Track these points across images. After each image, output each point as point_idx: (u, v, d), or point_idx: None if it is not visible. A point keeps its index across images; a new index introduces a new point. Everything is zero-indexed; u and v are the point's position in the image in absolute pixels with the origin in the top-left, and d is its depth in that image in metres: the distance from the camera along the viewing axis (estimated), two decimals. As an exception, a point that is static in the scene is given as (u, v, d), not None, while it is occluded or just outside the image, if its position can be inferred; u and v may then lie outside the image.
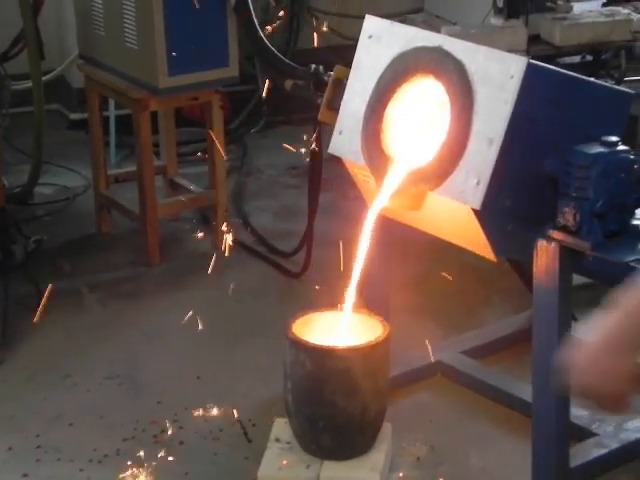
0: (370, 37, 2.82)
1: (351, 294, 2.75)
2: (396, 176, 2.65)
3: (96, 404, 3.12)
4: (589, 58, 4.53)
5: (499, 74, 2.50)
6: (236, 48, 3.93)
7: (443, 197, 2.58)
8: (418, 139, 2.68)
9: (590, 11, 4.50)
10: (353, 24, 2.94)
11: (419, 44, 2.68)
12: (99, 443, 2.92)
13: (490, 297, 3.57)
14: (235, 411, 3.02)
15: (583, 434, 2.83)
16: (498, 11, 4.22)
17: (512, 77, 2.47)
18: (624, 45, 4.43)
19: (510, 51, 3.92)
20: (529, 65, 2.47)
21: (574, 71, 2.76)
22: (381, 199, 2.67)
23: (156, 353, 3.40)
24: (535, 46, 4.30)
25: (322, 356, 2.65)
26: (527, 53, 4.26)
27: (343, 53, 3.12)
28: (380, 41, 2.78)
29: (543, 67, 2.56)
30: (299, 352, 2.67)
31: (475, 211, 2.51)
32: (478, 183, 2.49)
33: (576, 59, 4.52)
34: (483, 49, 2.59)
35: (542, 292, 2.60)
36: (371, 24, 2.84)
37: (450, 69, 2.57)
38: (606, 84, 2.74)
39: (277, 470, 2.70)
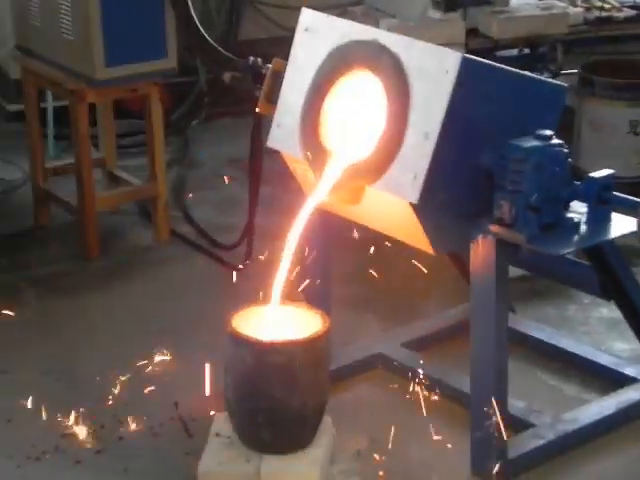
0: (306, 30, 2.82)
1: (280, 285, 2.74)
2: (334, 170, 2.65)
3: (34, 400, 3.06)
4: (526, 51, 4.57)
5: (434, 69, 2.50)
6: (174, 39, 3.90)
7: (381, 191, 2.58)
8: (356, 133, 2.68)
9: (527, 4, 4.55)
10: (294, 15, 2.92)
11: (355, 38, 2.68)
12: (37, 440, 2.88)
13: (431, 289, 3.58)
14: (175, 406, 2.99)
15: (521, 425, 2.85)
16: (436, 5, 4.24)
17: (447, 72, 2.47)
18: (560, 38, 4.48)
19: (448, 44, 3.94)
20: (464, 60, 2.48)
21: (511, 64, 2.78)
22: (319, 193, 2.67)
23: (94, 348, 3.36)
24: (473, 39, 4.33)
25: (261, 350, 2.64)
26: (465, 46, 4.29)
27: (284, 44, 3.10)
28: (316, 34, 2.78)
29: (478, 61, 2.57)
30: (238, 346, 2.65)
31: (412, 205, 2.53)
32: (415, 177, 2.50)
33: (513, 52, 4.55)
34: (418, 43, 2.60)
35: (479, 284, 2.63)
36: (307, 17, 2.84)
37: (386, 63, 2.58)
38: (541, 78, 2.77)
39: (217, 464, 2.68)
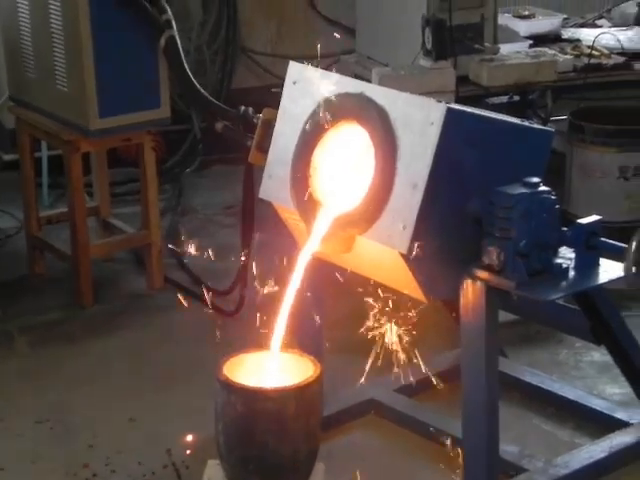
0: (294, 83, 2.87)
1: (280, 334, 2.76)
2: (325, 221, 2.69)
3: (27, 449, 3.08)
4: (516, 98, 4.63)
5: (420, 120, 2.55)
6: (167, 89, 3.96)
7: (371, 241, 2.62)
8: (345, 184, 2.73)
9: (517, 52, 4.62)
10: (287, 64, 2.98)
11: (342, 90, 2.73)
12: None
13: (425, 334, 3.59)
14: (168, 454, 3.00)
15: (514, 470, 2.86)
16: (427, 53, 4.30)
17: (432, 124, 2.51)
18: (550, 85, 4.55)
19: (439, 92, 4.03)
20: (448, 111, 2.52)
21: (502, 111, 2.83)
22: (311, 244, 2.71)
23: (88, 396, 3.37)
24: (464, 87, 4.38)
25: (252, 398, 2.66)
26: (456, 94, 4.35)
27: (277, 93, 3.15)
28: (304, 87, 2.83)
29: (463, 112, 2.61)
30: (230, 394, 2.67)
31: (402, 255, 2.55)
32: (404, 227, 2.54)
33: (504, 99, 4.61)
34: (404, 95, 2.64)
35: (469, 330, 2.65)
36: (295, 70, 2.89)
37: (373, 115, 2.62)
38: (527, 124, 2.78)
39: (210, 512, 2.70)
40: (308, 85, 2.82)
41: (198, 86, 3.74)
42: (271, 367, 2.80)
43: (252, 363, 2.83)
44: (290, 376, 2.78)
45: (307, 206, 2.74)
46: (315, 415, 2.72)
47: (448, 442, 2.94)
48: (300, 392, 2.67)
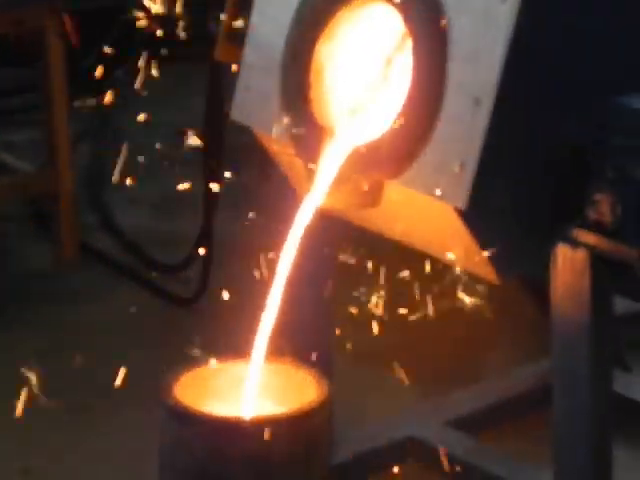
0: None
1: (267, 335, 2.80)
2: (335, 158, 2.72)
3: None
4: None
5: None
6: None
7: (409, 189, 2.65)
8: (366, 99, 2.76)
9: None
10: None
11: None
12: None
13: (490, 338, 3.67)
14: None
15: None
16: None
17: (504, 1, 2.52)
18: None
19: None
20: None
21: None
22: (315, 196, 2.74)
23: None
24: None
25: (221, 433, 2.71)
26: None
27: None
28: None
29: None
30: (184, 428, 2.72)
31: (459, 212, 2.58)
32: (462, 168, 2.56)
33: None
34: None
35: (565, 325, 2.69)
36: None
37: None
38: None
39: None
40: None
41: None
42: (250, 385, 2.84)
43: (220, 380, 2.88)
44: (280, 400, 2.83)
45: (308, 135, 2.78)
46: (318, 461, 2.77)
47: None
48: (295, 425, 2.72)
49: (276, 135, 2.86)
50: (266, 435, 2.68)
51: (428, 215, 2.67)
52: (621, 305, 2.89)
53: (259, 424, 2.71)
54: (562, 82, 2.61)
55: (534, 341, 3.50)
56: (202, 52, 3.40)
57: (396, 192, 2.70)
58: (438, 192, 2.60)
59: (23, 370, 3.43)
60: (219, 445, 2.71)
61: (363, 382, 3.41)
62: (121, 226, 4.40)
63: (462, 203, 2.56)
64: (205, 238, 3.91)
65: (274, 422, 2.72)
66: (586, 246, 2.63)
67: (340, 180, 2.73)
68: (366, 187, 2.72)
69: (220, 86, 3.51)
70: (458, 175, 2.56)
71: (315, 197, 2.75)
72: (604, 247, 2.62)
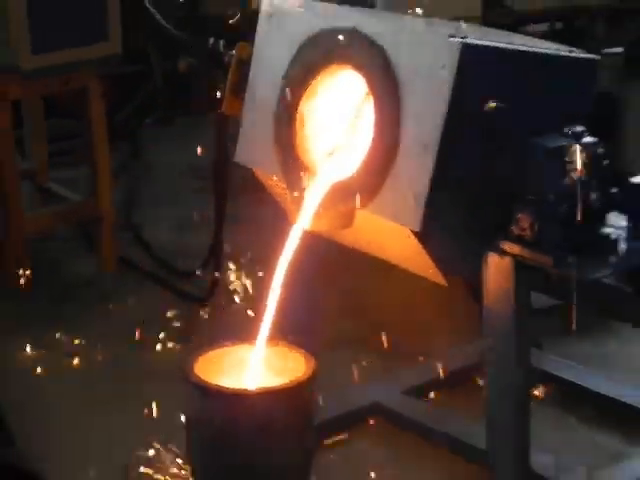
0: (271, 16, 2.88)
1: (267, 324, 2.83)
2: (317, 191, 2.72)
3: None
4: (559, 26, 4.66)
5: (429, 63, 2.53)
6: (117, 18, 3.95)
7: (375, 216, 2.65)
8: (341, 143, 2.76)
9: (560, -32, 4.64)
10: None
11: (330, 25, 2.71)
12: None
13: (441, 324, 3.68)
14: (125, 470, 3.09)
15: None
16: (446, -30, 4.33)
17: (444, 67, 2.50)
18: (602, 9, 4.55)
19: (463, 18, 4.07)
20: (464, 49, 2.49)
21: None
22: (302, 221, 2.74)
23: (24, 415, 3.39)
24: (492, 12, 4.39)
25: (233, 402, 2.73)
26: (482, 21, 4.37)
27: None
28: (283, 22, 2.84)
29: (482, 47, 2.57)
30: (204, 398, 2.74)
31: (414, 232, 2.58)
32: (415, 199, 2.55)
33: (543, 27, 4.64)
34: (407, 30, 2.61)
35: (495, 317, 2.72)
36: (270, 0, 2.90)
37: (369, 58, 2.60)
38: (563, 52, 2.76)
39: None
40: (287, 19, 2.83)
41: (156, 13, 3.75)
42: (253, 364, 2.86)
43: (229, 360, 2.90)
44: (277, 374, 2.85)
45: (295, 173, 2.77)
46: (309, 422, 2.80)
47: (466, 453, 3.04)
48: (290, 394, 2.74)
49: (270, 173, 2.88)
50: (268, 403, 2.72)
51: (391, 234, 2.67)
52: (537, 299, 2.91)
53: (263, 394, 2.75)
54: (491, 130, 2.60)
55: (471, 327, 3.51)
56: (210, 106, 3.39)
57: (365, 217, 2.70)
58: (398, 218, 2.60)
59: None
60: (232, 412, 2.73)
61: (340, 361, 3.41)
62: (149, 241, 4.41)
63: (416, 226, 2.57)
64: (215, 249, 3.90)
65: (274, 393, 2.75)
66: (510, 255, 2.66)
67: (321, 208, 2.74)
68: (341, 213, 2.73)
69: (225, 132, 3.49)
70: (413, 205, 2.56)
71: (302, 221, 2.76)
72: (524, 255, 2.64)
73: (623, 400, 3.33)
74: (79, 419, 3.36)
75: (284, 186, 2.83)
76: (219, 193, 3.76)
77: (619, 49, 4.64)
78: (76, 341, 3.76)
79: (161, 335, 3.75)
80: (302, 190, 2.75)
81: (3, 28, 3.80)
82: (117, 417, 3.32)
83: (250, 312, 3.00)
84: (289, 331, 2.95)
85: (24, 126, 4.46)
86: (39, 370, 3.59)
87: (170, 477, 3.02)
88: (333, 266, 3.29)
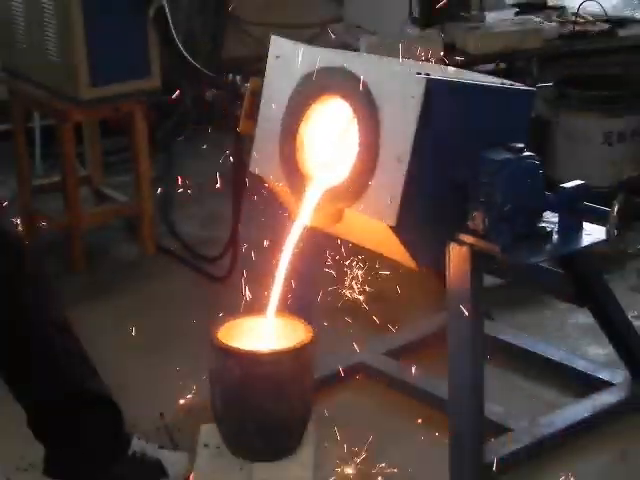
0: (277, 57, 2.88)
1: (274, 302, 2.81)
2: (313, 195, 2.73)
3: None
4: (503, 66, 4.65)
5: (400, 93, 2.55)
6: (157, 58, 3.97)
7: (360, 214, 2.65)
8: (332, 157, 2.75)
9: (503, 20, 4.63)
10: (278, 34, 2.99)
11: (323, 64, 2.74)
12: (25, 452, 2.91)
13: (414, 298, 3.63)
14: (161, 417, 3.04)
15: (499, 430, 2.91)
16: (414, 21, 4.31)
17: (413, 97, 2.52)
18: (536, 53, 4.57)
19: (427, 60, 4.03)
20: (428, 83, 2.52)
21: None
22: (302, 218, 2.75)
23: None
24: (451, 54, 4.39)
25: (249, 361, 2.70)
26: (444, 62, 4.36)
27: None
28: (287, 61, 2.84)
29: (443, 81, 2.61)
30: (225, 358, 2.71)
31: (391, 227, 2.58)
32: (391, 201, 2.55)
33: (490, 67, 4.63)
34: (384, 68, 2.66)
35: (455, 293, 2.69)
36: (277, 44, 2.91)
37: (354, 90, 2.62)
38: (508, 85, 2.77)
39: (211, 473, 2.74)
40: (290, 60, 2.83)
41: (186, 54, 3.75)
42: (264, 331, 2.84)
43: (244, 328, 2.87)
44: (284, 340, 2.82)
45: (296, 180, 2.77)
46: (309, 377, 2.77)
47: (434, 403, 3.00)
48: (296, 354, 2.71)
49: (277, 181, 2.87)
50: (278, 362, 2.70)
51: (373, 228, 2.66)
52: (488, 280, 2.87)
53: (274, 354, 2.73)
54: (452, 145, 2.60)
55: (437, 302, 3.48)
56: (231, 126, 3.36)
57: (352, 215, 2.70)
58: (378, 215, 2.60)
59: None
60: (248, 369, 2.70)
61: (332, 328, 3.35)
62: (181, 233, 4.35)
63: (392, 222, 2.57)
64: (233, 239, 3.87)
65: (283, 353, 2.73)
66: (467, 244, 2.64)
67: (317, 208, 2.74)
68: (333, 212, 2.74)
69: (242, 148, 3.47)
70: (389, 205, 2.56)
71: (302, 219, 2.76)
72: (478, 245, 2.63)
73: (557, 360, 3.30)
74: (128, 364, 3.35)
75: (288, 191, 2.83)
76: (237, 195, 3.75)
77: (550, 84, 4.64)
78: (120, 307, 3.75)
79: (188, 308, 3.70)
80: (302, 194, 2.75)
81: (70, 68, 3.83)
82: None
83: (258, 289, 2.93)
84: (292, 305, 2.93)
85: (84, 142, 4.45)
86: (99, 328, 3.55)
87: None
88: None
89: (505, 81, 2.81)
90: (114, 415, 2.75)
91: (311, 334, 2.77)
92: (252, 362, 2.69)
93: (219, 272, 3.92)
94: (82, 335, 3.52)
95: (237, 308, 2.95)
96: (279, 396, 2.69)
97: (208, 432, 2.84)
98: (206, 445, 2.81)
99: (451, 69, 3.22)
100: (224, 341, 2.74)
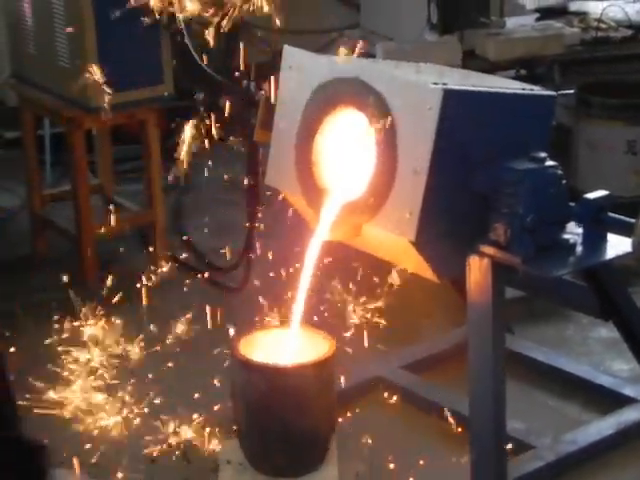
0: (290, 68, 2.87)
1: (298, 315, 2.80)
2: (331, 209, 2.71)
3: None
4: (524, 72, 4.63)
5: (417, 105, 2.53)
6: (170, 65, 3.97)
7: (379, 229, 2.64)
8: (350, 170, 2.74)
9: (523, 26, 4.62)
10: (294, 40, 2.98)
11: (337, 75, 2.72)
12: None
13: (433, 312, 3.62)
14: (175, 434, 3.03)
15: (521, 447, 2.90)
16: (432, 27, 4.30)
17: (430, 109, 2.50)
18: (557, 59, 4.55)
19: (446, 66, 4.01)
20: (445, 94, 2.50)
21: (510, 86, 2.78)
22: (320, 232, 2.74)
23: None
24: (470, 61, 4.38)
25: (274, 375, 2.70)
26: (462, 68, 4.34)
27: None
28: (300, 72, 2.83)
29: (460, 91, 2.58)
30: (250, 372, 2.71)
31: (411, 242, 2.57)
32: (410, 214, 2.54)
33: (511, 73, 4.62)
34: (400, 79, 2.63)
35: (475, 307, 2.68)
36: (289, 54, 2.89)
37: (370, 101, 2.61)
38: (527, 90, 2.75)
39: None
40: (304, 70, 2.81)
41: (199, 61, 3.75)
42: (285, 344, 2.84)
43: (264, 340, 2.88)
44: (306, 351, 2.81)
45: (313, 194, 2.76)
46: (332, 390, 2.78)
47: (454, 419, 2.98)
48: (320, 368, 2.72)
49: (294, 193, 2.86)
50: (301, 375, 2.71)
51: (392, 242, 2.65)
52: (509, 292, 2.86)
53: (297, 368, 2.73)
54: (471, 155, 2.59)
55: (457, 315, 3.46)
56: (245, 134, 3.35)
57: (372, 229, 2.69)
58: (397, 230, 2.59)
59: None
60: (272, 383, 2.71)
61: (351, 341, 3.34)
62: (193, 243, 4.34)
63: (412, 237, 2.56)
64: (247, 250, 3.85)
65: (306, 367, 2.73)
66: (488, 256, 2.63)
67: (335, 223, 2.73)
68: (351, 226, 2.73)
69: (256, 156, 3.46)
70: (408, 219, 2.55)
71: (321, 233, 2.75)
72: (499, 257, 2.61)
73: (581, 376, 3.28)
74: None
75: (306, 204, 2.82)
76: (252, 206, 3.72)
77: (571, 91, 4.62)
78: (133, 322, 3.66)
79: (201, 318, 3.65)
80: (319, 208, 2.73)
81: (80, 72, 3.77)
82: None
83: (273, 300, 2.93)
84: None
85: (95, 150, 4.44)
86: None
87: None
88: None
89: (526, 86, 2.80)
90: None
91: (333, 346, 2.77)
92: (277, 376, 2.70)
93: (233, 283, 3.91)
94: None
95: (251, 320, 2.94)
96: (303, 410, 2.70)
97: (229, 449, 2.83)
98: (229, 462, 2.81)
99: (473, 73, 3.20)
100: (246, 355, 2.75)
